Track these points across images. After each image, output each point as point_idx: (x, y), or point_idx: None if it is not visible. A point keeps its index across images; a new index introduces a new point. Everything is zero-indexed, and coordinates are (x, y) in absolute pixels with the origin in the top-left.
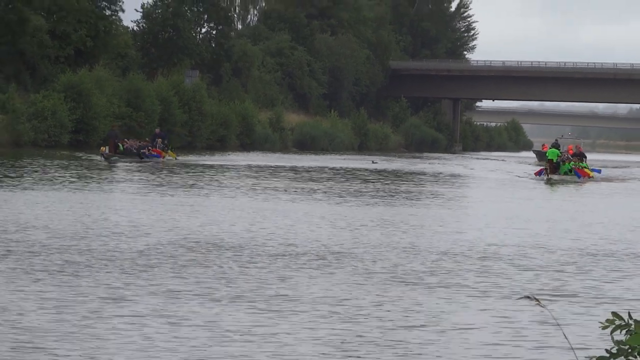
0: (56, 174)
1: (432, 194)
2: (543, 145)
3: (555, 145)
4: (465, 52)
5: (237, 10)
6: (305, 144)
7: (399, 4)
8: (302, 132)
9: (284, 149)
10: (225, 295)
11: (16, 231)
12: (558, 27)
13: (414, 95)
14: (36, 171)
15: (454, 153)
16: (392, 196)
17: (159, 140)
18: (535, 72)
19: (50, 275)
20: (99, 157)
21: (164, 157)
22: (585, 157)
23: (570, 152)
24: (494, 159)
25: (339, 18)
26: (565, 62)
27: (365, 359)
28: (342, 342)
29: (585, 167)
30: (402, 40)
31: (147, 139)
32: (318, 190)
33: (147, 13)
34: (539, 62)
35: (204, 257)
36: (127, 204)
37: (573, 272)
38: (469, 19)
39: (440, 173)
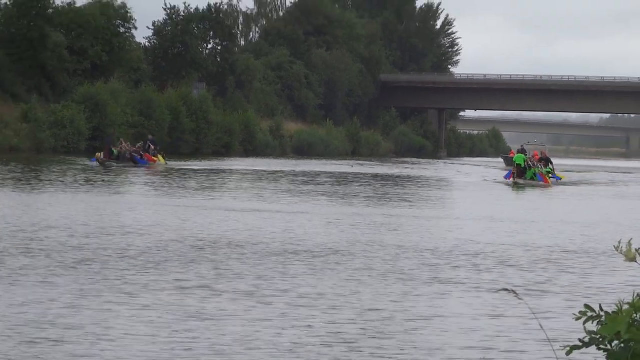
0: (63, 179)
1: (416, 196)
2: (510, 151)
3: (522, 151)
4: (449, 66)
5: (240, 28)
6: (303, 150)
7: (389, 23)
8: (300, 140)
9: (283, 154)
10: (233, 291)
11: (35, 230)
12: (536, 43)
13: (402, 105)
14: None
15: (439, 159)
16: (378, 198)
17: (151, 146)
18: (513, 84)
19: (66, 272)
20: (94, 163)
21: (155, 162)
22: (551, 162)
23: (536, 157)
24: (470, 164)
25: (333, 35)
26: (541, 76)
27: (358, 347)
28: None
29: (549, 172)
30: (392, 55)
31: (139, 145)
32: (314, 193)
33: (158, 30)
34: (517, 75)
35: (211, 255)
36: (139, 206)
37: (550, 268)
38: (452, 36)
39: (422, 177)
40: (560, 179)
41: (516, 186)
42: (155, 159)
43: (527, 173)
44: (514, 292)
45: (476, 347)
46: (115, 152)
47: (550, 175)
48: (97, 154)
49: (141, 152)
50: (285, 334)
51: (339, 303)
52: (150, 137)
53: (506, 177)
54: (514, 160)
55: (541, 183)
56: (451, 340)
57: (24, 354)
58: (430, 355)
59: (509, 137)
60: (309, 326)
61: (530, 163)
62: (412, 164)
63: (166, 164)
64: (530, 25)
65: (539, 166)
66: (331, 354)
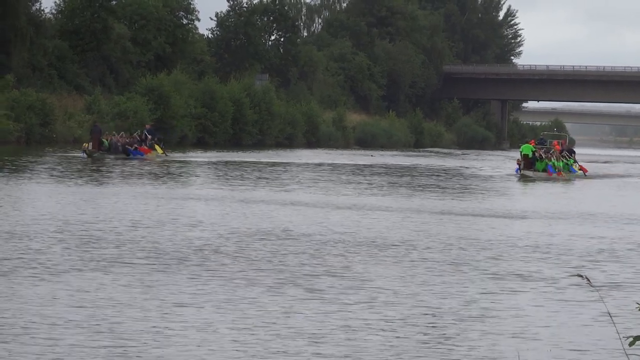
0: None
1: (468, 188)
2: (530, 140)
3: (542, 142)
4: (512, 57)
5: (303, 19)
6: (366, 141)
7: (451, 14)
8: (363, 131)
9: (346, 146)
10: (302, 287)
11: (91, 224)
12: (600, 34)
13: (465, 96)
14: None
15: (502, 150)
16: (428, 190)
17: (149, 136)
18: (576, 75)
19: (129, 265)
20: (80, 154)
21: (149, 154)
22: (574, 153)
23: (557, 147)
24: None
25: (396, 26)
26: (604, 66)
27: (432, 339)
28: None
29: (567, 165)
30: (454, 47)
31: (135, 134)
32: (361, 185)
33: (221, 21)
34: (580, 66)
35: (271, 248)
36: (202, 199)
37: (619, 260)
38: (515, 27)
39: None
40: (576, 172)
41: (523, 179)
42: (149, 150)
43: (537, 164)
44: (587, 278)
45: (542, 331)
46: (106, 142)
47: (571, 167)
48: (84, 144)
49: (135, 145)
50: (356, 327)
51: (409, 296)
52: (147, 126)
53: (516, 170)
54: (520, 150)
55: (554, 175)
56: (521, 327)
57: (84, 346)
58: (501, 342)
59: (571, 128)
60: (376, 315)
61: (541, 154)
62: (455, 155)
63: (165, 155)
64: (594, 17)
65: (555, 158)
66: (407, 345)
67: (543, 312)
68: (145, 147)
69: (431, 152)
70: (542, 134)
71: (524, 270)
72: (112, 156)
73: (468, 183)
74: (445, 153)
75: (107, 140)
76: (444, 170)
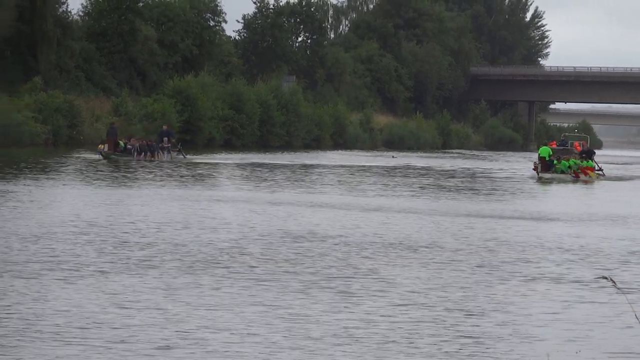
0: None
1: (492, 190)
2: (552, 142)
3: (563, 143)
4: (539, 59)
5: (330, 21)
6: (394, 143)
7: (478, 15)
8: (390, 132)
9: (373, 147)
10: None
11: (127, 225)
12: (629, 35)
13: (492, 98)
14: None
15: (529, 151)
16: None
17: (166, 139)
18: (604, 76)
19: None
20: (96, 156)
21: (152, 160)
22: (594, 153)
23: (578, 148)
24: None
25: (423, 28)
26: (632, 68)
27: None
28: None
29: (588, 166)
30: (482, 48)
31: (148, 140)
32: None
33: (248, 23)
34: (607, 67)
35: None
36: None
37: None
38: (542, 28)
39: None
40: (592, 171)
41: (541, 181)
42: (155, 157)
43: (555, 167)
44: (612, 280)
45: (574, 337)
46: (122, 144)
47: (596, 169)
48: (99, 145)
49: (159, 148)
50: (384, 329)
51: (437, 298)
52: (165, 127)
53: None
54: (539, 152)
55: (574, 177)
56: (550, 330)
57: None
58: (529, 344)
59: (599, 130)
60: (402, 316)
61: (559, 156)
62: (480, 157)
63: (184, 157)
64: (622, 18)
65: (576, 159)
66: (435, 346)
67: (572, 314)
68: (160, 152)
69: (455, 153)
70: (563, 135)
71: (553, 272)
72: (128, 158)
73: (492, 185)
74: (468, 155)
75: (123, 142)
76: (468, 171)
